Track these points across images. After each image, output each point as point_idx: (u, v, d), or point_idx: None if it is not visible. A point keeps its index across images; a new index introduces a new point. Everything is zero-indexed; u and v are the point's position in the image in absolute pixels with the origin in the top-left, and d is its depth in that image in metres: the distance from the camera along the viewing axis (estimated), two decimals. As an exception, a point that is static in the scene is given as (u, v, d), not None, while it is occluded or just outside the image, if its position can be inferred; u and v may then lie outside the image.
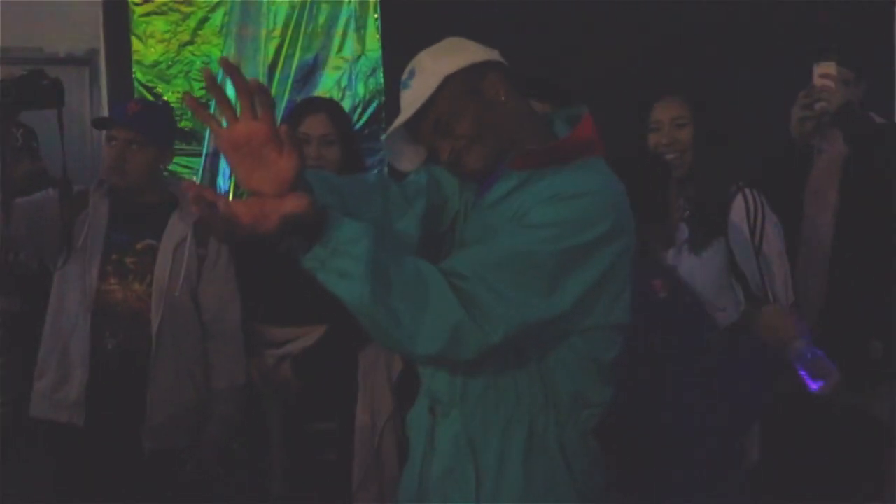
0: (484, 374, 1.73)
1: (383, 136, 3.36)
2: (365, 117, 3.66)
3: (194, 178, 3.70)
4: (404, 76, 1.80)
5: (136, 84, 3.67)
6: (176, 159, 3.67)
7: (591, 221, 1.65)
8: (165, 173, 3.57)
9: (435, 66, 1.76)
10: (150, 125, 2.70)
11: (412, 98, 1.76)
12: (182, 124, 3.71)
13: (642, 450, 1.99)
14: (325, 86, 3.65)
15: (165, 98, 3.69)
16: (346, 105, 3.62)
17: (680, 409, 1.96)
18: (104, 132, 2.71)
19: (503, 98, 1.77)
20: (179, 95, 3.71)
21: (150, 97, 3.67)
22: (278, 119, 3.45)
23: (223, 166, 3.65)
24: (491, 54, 1.81)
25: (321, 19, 3.65)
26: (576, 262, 1.64)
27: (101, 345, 2.60)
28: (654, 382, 1.95)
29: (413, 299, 1.54)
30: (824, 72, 2.69)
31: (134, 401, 2.61)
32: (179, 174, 3.70)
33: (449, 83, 1.74)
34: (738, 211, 2.68)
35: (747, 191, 2.71)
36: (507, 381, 1.73)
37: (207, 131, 3.66)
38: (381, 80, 3.66)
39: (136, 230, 2.66)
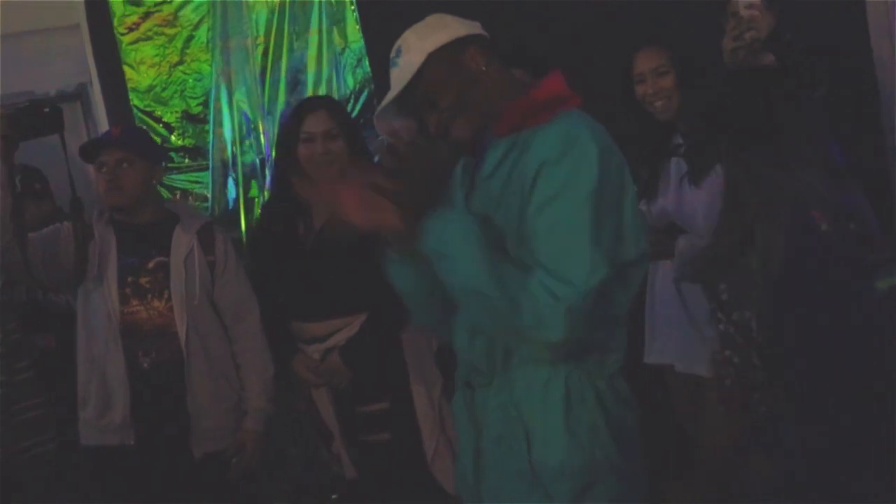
0: None
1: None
2: (358, 107, 3.72)
3: (205, 193, 3.79)
4: (392, 54, 1.91)
5: (134, 111, 3.76)
6: (183, 175, 3.79)
7: (586, 173, 1.73)
8: (177, 194, 3.71)
9: (419, 43, 1.86)
10: (137, 142, 2.83)
11: (399, 75, 1.86)
12: (185, 141, 3.82)
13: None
14: (315, 83, 3.72)
15: (165, 119, 3.78)
16: (337, 97, 3.70)
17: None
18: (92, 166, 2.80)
19: (484, 68, 1.87)
20: (178, 115, 3.80)
21: (150, 121, 3.76)
22: (276, 121, 3.53)
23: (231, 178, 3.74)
24: (472, 28, 1.91)
25: (300, 20, 3.72)
26: (600, 212, 1.72)
27: (137, 365, 2.71)
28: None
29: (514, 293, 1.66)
30: (748, 2, 2.78)
31: (177, 411, 2.73)
32: (189, 190, 3.80)
33: (432, 59, 1.84)
34: None
35: (740, 119, 2.77)
36: None
37: (210, 145, 3.75)
38: (368, 69, 3.71)
39: (144, 250, 2.77)
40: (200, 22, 3.75)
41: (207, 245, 2.79)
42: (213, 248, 2.80)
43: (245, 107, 3.72)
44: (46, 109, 2.59)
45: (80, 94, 3.94)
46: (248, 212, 3.67)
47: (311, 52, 3.72)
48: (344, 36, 3.75)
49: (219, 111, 3.73)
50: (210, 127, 3.76)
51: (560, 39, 3.40)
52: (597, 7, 3.47)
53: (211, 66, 3.74)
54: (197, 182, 3.81)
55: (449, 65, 1.85)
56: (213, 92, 3.72)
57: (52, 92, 3.88)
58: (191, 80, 3.79)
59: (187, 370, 2.72)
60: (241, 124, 3.72)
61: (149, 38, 3.75)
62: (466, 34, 1.89)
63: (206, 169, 3.79)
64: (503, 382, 1.86)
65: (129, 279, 2.73)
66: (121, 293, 2.71)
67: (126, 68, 3.76)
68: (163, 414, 2.73)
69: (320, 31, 3.72)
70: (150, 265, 2.76)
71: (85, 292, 2.74)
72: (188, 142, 3.81)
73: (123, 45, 3.75)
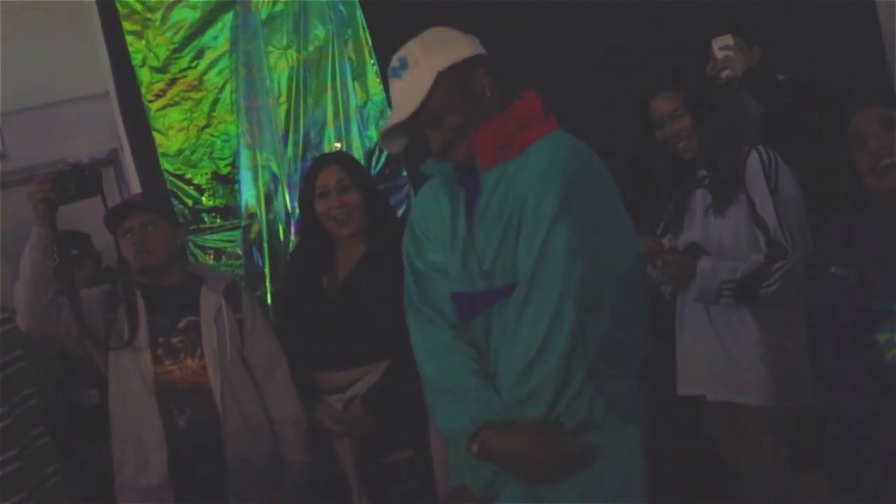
0: None
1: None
2: (383, 159, 3.77)
3: (237, 251, 3.85)
4: (394, 64, 1.92)
5: (165, 175, 3.83)
6: (216, 235, 3.85)
7: (564, 194, 1.79)
8: (210, 253, 3.77)
9: (427, 60, 1.87)
10: (159, 204, 2.93)
11: (405, 92, 1.88)
12: (216, 202, 3.88)
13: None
14: (339, 138, 3.78)
15: (195, 181, 3.86)
16: (362, 150, 3.77)
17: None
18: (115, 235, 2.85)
19: (489, 93, 1.90)
20: (208, 176, 3.86)
21: (181, 184, 3.84)
22: (298, 178, 3.58)
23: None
24: (475, 46, 1.93)
25: (320, 77, 3.79)
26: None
27: (173, 424, 2.74)
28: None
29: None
30: (722, 44, 2.94)
31: (215, 468, 2.75)
32: (222, 249, 3.85)
33: (441, 79, 1.86)
34: (753, 166, 2.79)
35: (760, 147, 2.81)
36: None
37: (243, 205, 3.82)
38: (391, 121, 3.76)
39: (174, 311, 2.82)
40: (225, 85, 3.83)
41: (235, 303, 2.84)
42: (240, 306, 2.85)
43: (272, 165, 3.79)
44: (87, 173, 2.68)
45: (112, 160, 4.03)
46: (276, 268, 3.71)
47: (333, 108, 3.78)
48: (365, 89, 3.81)
49: (246, 170, 3.81)
50: (239, 186, 3.83)
51: (576, 84, 3.45)
52: (610, 53, 3.52)
53: (237, 126, 3.81)
54: (229, 241, 3.86)
55: (457, 86, 1.88)
56: (240, 152, 3.80)
57: (85, 159, 3.96)
58: (219, 142, 3.85)
59: (224, 426, 2.75)
60: (267, 182, 3.79)
61: (176, 104, 3.83)
62: (473, 54, 1.91)
63: (238, 228, 3.84)
64: None
65: (161, 340, 2.78)
66: (153, 354, 2.76)
67: (155, 134, 3.83)
68: (201, 471, 2.75)
69: (343, 85, 3.78)
70: (181, 325, 2.80)
71: (116, 356, 2.78)
72: (219, 202, 3.87)
73: (152, 112, 3.82)
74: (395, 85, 1.92)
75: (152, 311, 2.80)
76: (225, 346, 2.77)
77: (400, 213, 3.57)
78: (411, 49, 1.91)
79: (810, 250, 2.76)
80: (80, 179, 2.65)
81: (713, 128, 2.84)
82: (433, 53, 1.88)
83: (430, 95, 1.86)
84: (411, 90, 1.87)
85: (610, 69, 3.48)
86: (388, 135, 1.97)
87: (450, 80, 1.87)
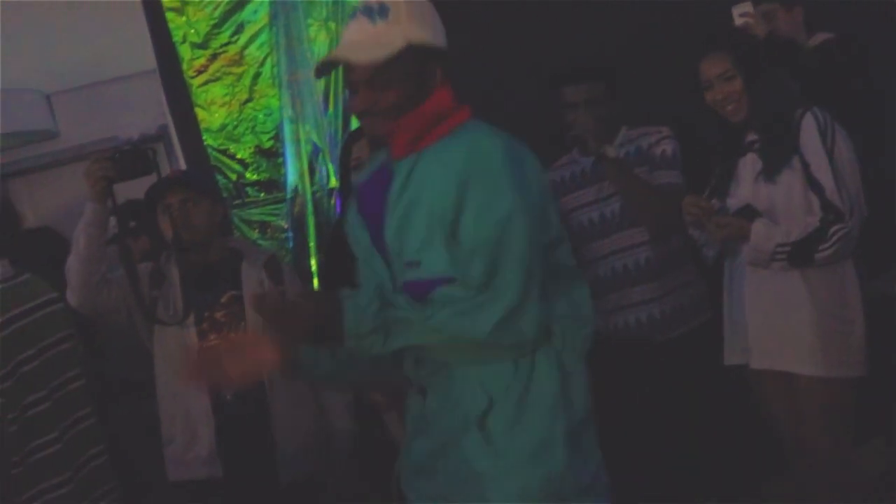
0: None
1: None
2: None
3: (283, 224, 3.86)
4: (372, 4, 1.81)
5: (209, 150, 3.84)
6: (260, 209, 3.87)
7: (504, 189, 1.74)
8: (256, 227, 3.78)
9: (408, 24, 1.80)
10: (197, 179, 2.97)
11: (370, 39, 1.79)
12: (260, 176, 3.88)
13: None
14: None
15: (238, 156, 3.86)
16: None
17: None
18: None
19: (433, 92, 1.83)
20: (251, 150, 3.87)
21: (224, 159, 3.85)
22: (338, 149, 3.56)
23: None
24: (444, 39, 1.86)
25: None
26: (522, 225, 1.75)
27: (220, 398, 2.77)
28: None
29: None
30: (742, 11, 2.99)
31: (262, 439, 2.77)
32: (267, 223, 3.87)
33: (407, 50, 1.79)
34: (808, 128, 2.72)
35: (815, 109, 2.74)
36: None
37: (285, 177, 3.82)
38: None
39: (216, 286, 2.83)
40: (266, 58, 3.82)
41: (276, 276, 2.86)
42: (281, 279, 2.87)
43: (314, 137, 3.79)
44: (143, 151, 2.73)
45: (161, 136, 4.04)
46: (321, 240, 3.71)
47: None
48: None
49: (290, 143, 3.81)
50: (283, 160, 3.82)
51: (622, 49, 3.38)
52: (657, 15, 3.44)
53: (279, 99, 3.80)
54: (273, 214, 3.87)
55: (415, 66, 1.81)
56: (283, 125, 3.79)
57: (135, 135, 3.99)
58: (261, 116, 3.86)
59: (271, 398, 2.77)
60: (311, 155, 3.78)
61: (217, 79, 3.83)
62: (443, 47, 1.85)
63: (282, 201, 3.85)
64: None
65: (206, 314, 2.80)
66: (198, 329, 2.78)
67: (198, 110, 3.84)
68: (248, 443, 2.78)
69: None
70: (224, 299, 2.82)
71: (161, 332, 2.80)
72: (262, 176, 3.87)
73: (194, 88, 3.83)
74: (361, 24, 1.82)
75: (195, 286, 2.81)
76: (269, 319, 2.78)
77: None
78: (398, 1, 1.82)
79: (865, 215, 2.69)
80: (137, 157, 2.69)
81: (765, 90, 2.76)
82: (415, 22, 1.80)
83: (390, 59, 1.78)
84: (377, 42, 1.78)
85: (660, 32, 3.40)
86: (325, 65, 1.89)
87: (413, 56, 1.80)
